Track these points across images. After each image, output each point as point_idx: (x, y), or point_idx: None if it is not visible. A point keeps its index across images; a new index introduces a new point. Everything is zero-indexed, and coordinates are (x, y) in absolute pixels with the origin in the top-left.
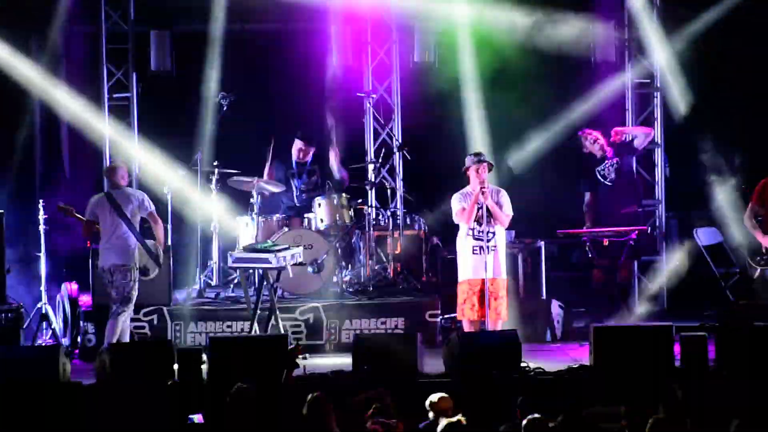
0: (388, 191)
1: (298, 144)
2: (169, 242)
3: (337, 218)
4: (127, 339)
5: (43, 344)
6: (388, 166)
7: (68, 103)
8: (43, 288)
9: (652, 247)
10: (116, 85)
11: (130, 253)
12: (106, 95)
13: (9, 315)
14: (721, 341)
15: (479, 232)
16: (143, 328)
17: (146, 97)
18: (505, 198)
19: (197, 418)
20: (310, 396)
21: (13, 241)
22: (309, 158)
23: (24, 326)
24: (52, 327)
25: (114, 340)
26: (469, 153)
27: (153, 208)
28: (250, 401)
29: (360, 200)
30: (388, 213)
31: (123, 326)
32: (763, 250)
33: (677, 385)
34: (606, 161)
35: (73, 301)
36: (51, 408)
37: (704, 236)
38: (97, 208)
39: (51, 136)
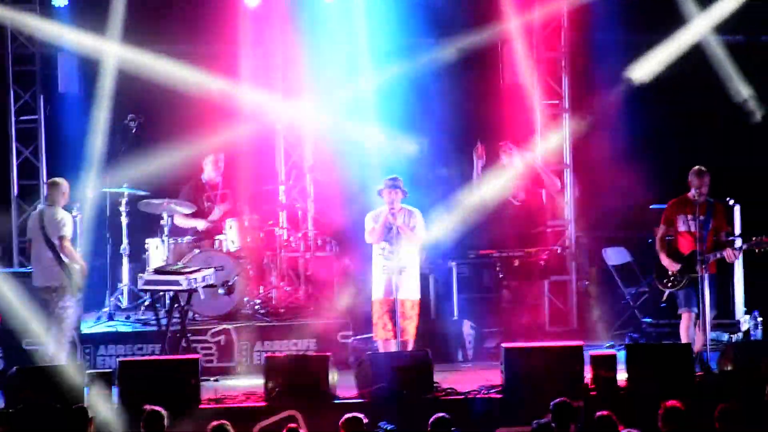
0: (300, 213)
1: (212, 161)
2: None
3: (248, 240)
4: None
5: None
6: (298, 188)
7: None
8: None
9: (561, 267)
10: (23, 108)
11: (57, 274)
12: (13, 118)
13: None
14: (631, 359)
15: (389, 252)
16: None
17: (54, 119)
18: (418, 219)
19: None
20: (212, 425)
21: None
22: (220, 178)
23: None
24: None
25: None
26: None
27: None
28: (161, 424)
29: (271, 222)
30: (300, 234)
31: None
32: (669, 273)
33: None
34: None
35: None
36: None
37: (613, 256)
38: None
39: None
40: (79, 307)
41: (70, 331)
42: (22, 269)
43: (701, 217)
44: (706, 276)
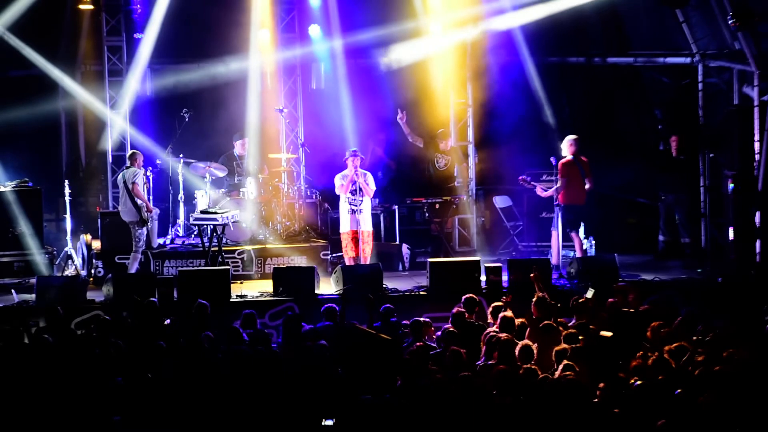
0: (295, 173)
1: (239, 141)
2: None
3: (261, 192)
4: (134, 270)
5: (69, 275)
6: (295, 156)
7: None
8: (68, 238)
9: (466, 208)
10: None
11: (133, 212)
12: (109, 112)
13: (46, 255)
14: (511, 268)
15: (353, 200)
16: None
17: (135, 114)
18: (370, 179)
19: (167, 321)
20: (244, 313)
21: (47, 208)
22: (244, 150)
23: (56, 263)
24: (75, 264)
25: (133, 270)
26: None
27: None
28: (206, 313)
29: (276, 180)
30: (295, 187)
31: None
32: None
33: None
34: (439, 155)
35: (89, 246)
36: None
37: (500, 201)
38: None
39: (72, 135)
40: (152, 234)
41: (140, 250)
42: (115, 210)
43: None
44: (556, 208)
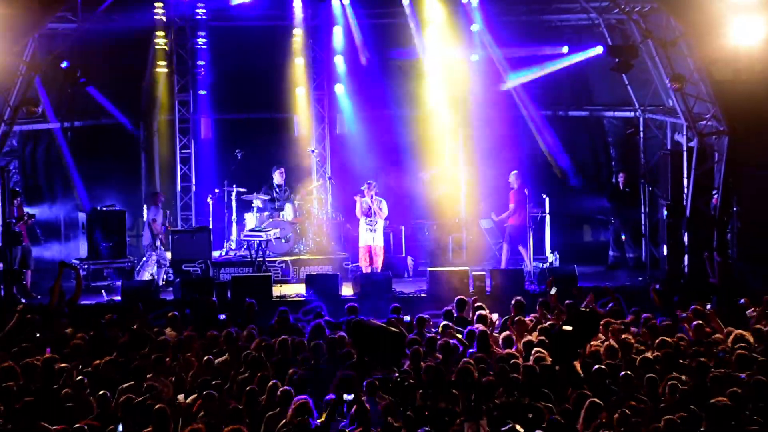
0: (323, 200)
1: (278, 172)
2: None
3: (297, 215)
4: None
5: (146, 279)
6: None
7: None
8: (143, 251)
9: (458, 228)
10: (183, 147)
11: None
12: (178, 154)
13: (129, 264)
14: (493, 276)
15: (369, 221)
16: (197, 270)
17: (198, 152)
18: (384, 205)
19: (223, 316)
20: (279, 309)
21: (129, 227)
22: (283, 181)
23: (136, 270)
24: (151, 271)
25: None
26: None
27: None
28: (253, 310)
29: (309, 205)
30: (324, 211)
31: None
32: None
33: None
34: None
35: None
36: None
37: (484, 223)
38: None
39: (150, 170)
40: (164, 253)
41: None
42: (182, 228)
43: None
44: (507, 227)
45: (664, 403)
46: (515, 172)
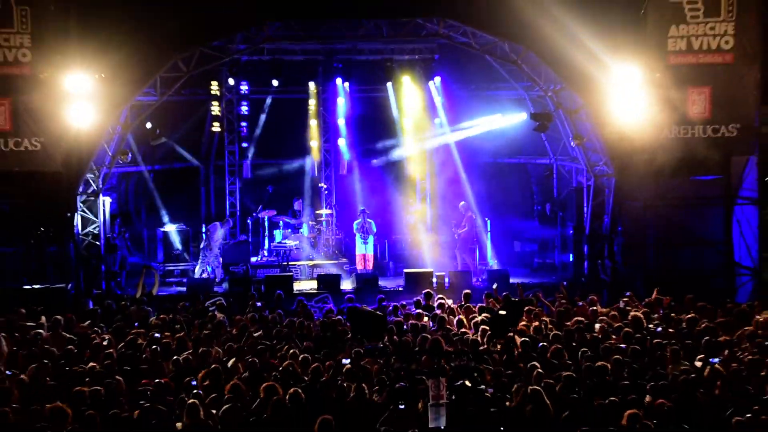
0: (331, 221)
1: (298, 201)
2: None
3: (311, 231)
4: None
5: (204, 277)
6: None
7: None
8: (200, 258)
9: (429, 239)
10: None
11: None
12: (227, 179)
13: (192, 266)
14: (450, 276)
15: (363, 236)
16: (240, 271)
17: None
18: (373, 225)
19: (259, 303)
20: (298, 299)
21: (192, 240)
22: (301, 207)
23: (197, 270)
24: (207, 271)
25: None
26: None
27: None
28: (280, 299)
29: (320, 225)
30: (331, 229)
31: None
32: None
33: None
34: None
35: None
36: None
37: (460, 240)
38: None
39: (207, 200)
40: (248, 252)
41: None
42: (232, 241)
43: None
44: (459, 241)
45: (564, 368)
46: (463, 203)
